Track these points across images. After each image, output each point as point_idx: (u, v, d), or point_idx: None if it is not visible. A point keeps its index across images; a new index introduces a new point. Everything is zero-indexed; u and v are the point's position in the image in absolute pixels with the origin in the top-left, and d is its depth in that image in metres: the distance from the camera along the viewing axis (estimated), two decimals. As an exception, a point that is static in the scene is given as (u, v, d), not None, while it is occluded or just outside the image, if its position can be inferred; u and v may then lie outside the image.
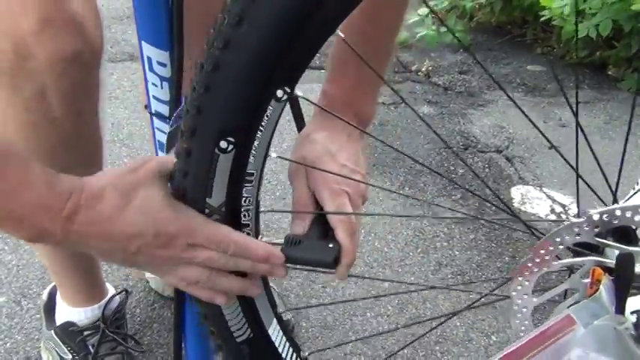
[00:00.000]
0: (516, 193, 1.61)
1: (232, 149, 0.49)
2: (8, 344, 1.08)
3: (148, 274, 1.22)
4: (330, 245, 0.58)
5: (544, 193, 1.61)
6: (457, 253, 1.37)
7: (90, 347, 0.96)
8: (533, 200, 1.58)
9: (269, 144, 0.52)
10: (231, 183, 0.52)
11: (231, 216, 0.54)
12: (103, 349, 0.96)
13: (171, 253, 0.52)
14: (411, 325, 1.16)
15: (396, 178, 1.64)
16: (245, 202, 0.54)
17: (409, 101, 2.10)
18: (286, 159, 0.63)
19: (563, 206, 1.55)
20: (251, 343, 0.62)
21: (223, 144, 0.49)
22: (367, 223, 1.44)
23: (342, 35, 0.49)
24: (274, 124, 0.50)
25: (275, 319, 0.64)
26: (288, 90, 0.48)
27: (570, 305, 0.52)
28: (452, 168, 1.70)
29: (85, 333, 0.96)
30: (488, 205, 1.53)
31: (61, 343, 0.97)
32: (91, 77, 0.71)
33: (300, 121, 0.72)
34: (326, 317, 1.17)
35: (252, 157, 0.51)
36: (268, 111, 0.49)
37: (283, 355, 0.65)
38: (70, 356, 0.96)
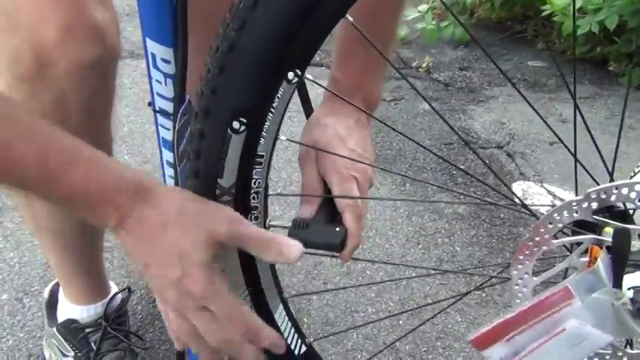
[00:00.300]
0: (517, 188, 1.61)
1: (244, 130, 0.51)
2: (10, 342, 1.08)
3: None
4: (337, 229, 0.59)
5: (545, 188, 1.61)
6: (458, 249, 1.37)
7: (92, 344, 0.96)
8: (534, 196, 1.58)
9: (279, 126, 0.53)
10: (242, 164, 0.53)
11: (241, 197, 0.56)
12: (105, 346, 0.96)
13: (179, 302, 0.52)
14: (413, 310, 1.16)
15: (396, 173, 1.64)
16: (255, 184, 0.56)
17: (409, 98, 2.10)
18: (296, 142, 0.65)
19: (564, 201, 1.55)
20: None
21: (236, 124, 0.50)
22: (368, 220, 1.44)
23: (351, 19, 0.50)
24: (285, 107, 0.52)
25: (281, 305, 0.65)
26: (299, 72, 0.50)
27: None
28: (453, 162, 1.70)
29: (87, 330, 0.97)
30: (490, 198, 1.53)
31: (63, 340, 0.97)
32: (109, 83, 0.71)
33: (307, 107, 0.72)
34: (327, 313, 1.18)
35: (262, 139, 0.53)
36: (279, 93, 0.50)
37: (289, 341, 0.66)
38: (73, 353, 0.96)
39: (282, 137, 0.55)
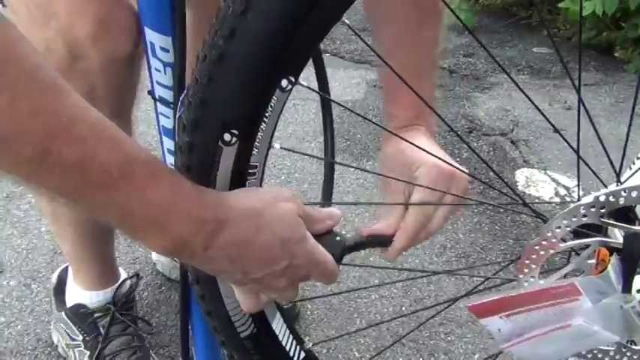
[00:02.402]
0: (521, 176, 1.61)
1: (236, 142, 0.48)
2: (19, 326, 1.10)
3: (154, 256, 1.23)
4: (337, 238, 0.58)
5: (548, 176, 1.61)
6: (461, 236, 1.38)
7: (100, 328, 0.97)
8: (537, 183, 1.58)
9: (272, 135, 0.50)
10: (235, 176, 0.51)
11: None
12: (113, 331, 0.97)
13: (287, 282, 0.51)
14: (416, 308, 1.17)
15: (400, 161, 1.65)
16: None
17: (414, 84, 2.10)
18: (290, 150, 0.64)
19: (567, 189, 1.55)
20: (255, 338, 0.62)
21: (227, 137, 0.48)
22: (371, 206, 1.45)
23: (348, 22, 0.48)
24: (278, 115, 0.49)
25: (278, 312, 0.63)
26: (293, 79, 0.47)
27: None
28: (456, 152, 1.70)
29: (96, 315, 0.98)
30: (493, 188, 1.53)
31: (71, 325, 0.99)
32: (135, 77, 0.72)
33: (322, 84, 0.67)
34: (331, 300, 1.19)
35: (255, 150, 0.50)
36: (272, 101, 0.48)
37: (287, 348, 0.64)
38: (81, 337, 0.98)
39: (277, 145, 0.52)
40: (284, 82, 0.47)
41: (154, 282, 1.21)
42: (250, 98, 0.47)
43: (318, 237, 0.57)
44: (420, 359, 1.08)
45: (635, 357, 0.56)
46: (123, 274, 1.04)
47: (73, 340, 0.99)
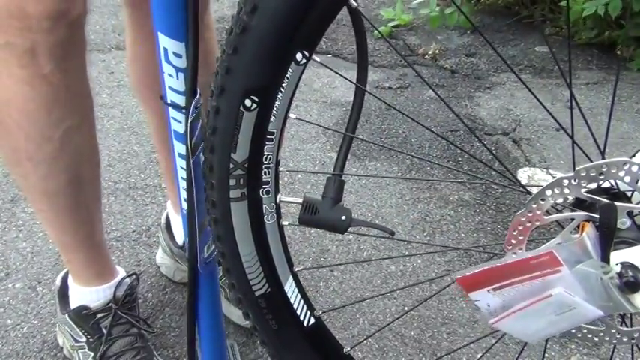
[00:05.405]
0: (523, 175, 1.61)
1: (256, 107, 0.55)
2: (25, 328, 1.11)
3: (158, 259, 1.24)
4: (343, 218, 0.63)
5: (551, 175, 1.61)
6: (463, 235, 1.38)
7: (103, 329, 0.98)
8: (539, 182, 1.58)
9: (289, 105, 0.57)
10: (254, 140, 0.57)
11: (254, 172, 0.60)
12: (116, 331, 0.98)
13: None
14: (418, 308, 1.18)
15: (402, 162, 1.65)
16: (266, 160, 0.60)
17: (416, 85, 2.10)
18: (305, 121, 0.69)
19: (570, 188, 1.55)
20: (268, 297, 0.67)
21: (248, 102, 0.55)
22: (374, 207, 1.46)
23: (355, 4, 0.54)
24: (294, 87, 0.55)
25: (291, 276, 0.68)
26: (307, 54, 0.53)
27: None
28: (458, 151, 1.71)
29: (98, 315, 0.99)
30: (495, 184, 1.53)
31: (75, 326, 1.00)
32: (77, 36, 0.76)
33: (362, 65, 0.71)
34: (334, 300, 1.19)
35: (273, 117, 0.56)
36: (288, 73, 0.54)
37: (297, 312, 0.69)
38: (85, 339, 0.99)
39: (292, 116, 0.58)
40: (299, 56, 0.53)
41: (158, 284, 1.22)
42: (268, 68, 0.54)
43: (326, 213, 0.62)
44: (423, 359, 1.08)
45: (624, 339, 0.57)
46: (121, 272, 1.05)
47: (77, 341, 1.00)
